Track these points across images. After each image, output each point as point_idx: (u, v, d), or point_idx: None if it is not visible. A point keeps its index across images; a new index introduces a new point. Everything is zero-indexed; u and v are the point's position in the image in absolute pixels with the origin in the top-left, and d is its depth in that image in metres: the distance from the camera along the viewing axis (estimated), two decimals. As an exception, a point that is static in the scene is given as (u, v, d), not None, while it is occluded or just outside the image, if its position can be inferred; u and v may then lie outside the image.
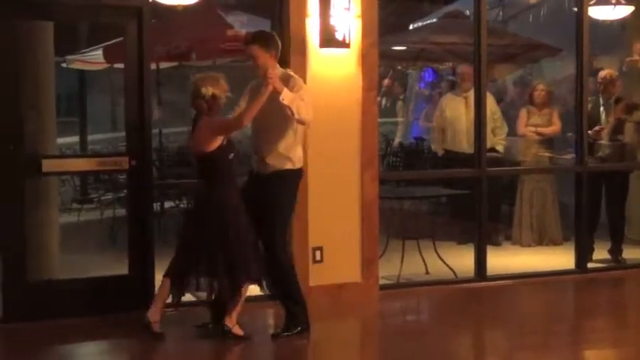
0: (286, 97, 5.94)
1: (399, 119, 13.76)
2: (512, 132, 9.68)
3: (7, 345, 6.37)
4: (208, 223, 6.06)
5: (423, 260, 8.16)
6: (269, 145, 6.24)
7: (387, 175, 7.82)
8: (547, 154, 9.31)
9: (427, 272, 8.08)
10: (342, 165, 7.18)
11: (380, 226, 7.46)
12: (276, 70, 6.10)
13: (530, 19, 13.69)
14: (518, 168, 9.48)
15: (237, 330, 6.08)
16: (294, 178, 6.35)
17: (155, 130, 10.63)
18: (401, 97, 14.46)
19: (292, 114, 6.00)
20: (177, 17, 10.62)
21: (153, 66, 10.26)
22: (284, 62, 7.05)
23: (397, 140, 12.44)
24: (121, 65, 8.53)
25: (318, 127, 7.03)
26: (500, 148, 9.24)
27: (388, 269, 7.80)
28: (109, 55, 10.79)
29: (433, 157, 9.96)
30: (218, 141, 5.99)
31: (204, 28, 11.49)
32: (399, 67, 14.39)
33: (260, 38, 6.38)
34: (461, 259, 8.17)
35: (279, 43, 6.34)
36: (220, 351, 6.33)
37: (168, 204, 10.48)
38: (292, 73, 6.38)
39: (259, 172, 6.32)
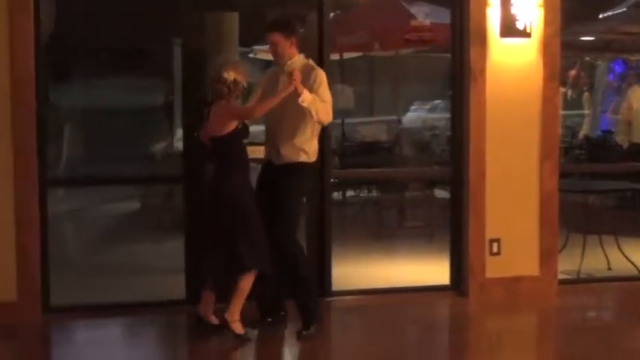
0: (306, 99, 5.78)
1: (585, 111, 13.44)
2: None
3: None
4: (220, 210, 5.94)
5: (606, 256, 7.96)
6: (285, 136, 6.06)
7: (567, 168, 7.65)
8: None
9: (609, 268, 7.87)
10: (521, 155, 7.07)
11: (560, 220, 7.31)
12: (298, 72, 5.81)
13: None
14: None
15: (237, 327, 5.88)
16: (308, 171, 6.22)
17: (338, 120, 10.84)
18: (585, 88, 14.13)
19: (312, 115, 5.89)
20: (360, 8, 10.80)
21: (336, 56, 10.44)
22: (463, 51, 7.09)
23: (583, 133, 12.17)
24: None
25: (497, 117, 7.02)
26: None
27: (568, 264, 7.63)
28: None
29: (620, 150, 9.69)
30: (233, 125, 5.85)
31: (387, 19, 11.59)
32: (587, 58, 14.08)
33: (282, 24, 6.20)
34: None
35: (298, 29, 6.24)
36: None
37: (349, 193, 10.69)
38: (314, 64, 6.23)
39: (272, 161, 6.16)
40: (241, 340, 5.84)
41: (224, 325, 5.86)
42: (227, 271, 5.87)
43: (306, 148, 6.05)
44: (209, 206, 6.06)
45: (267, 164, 6.21)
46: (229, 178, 5.91)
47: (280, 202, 6.04)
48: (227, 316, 5.82)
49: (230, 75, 5.88)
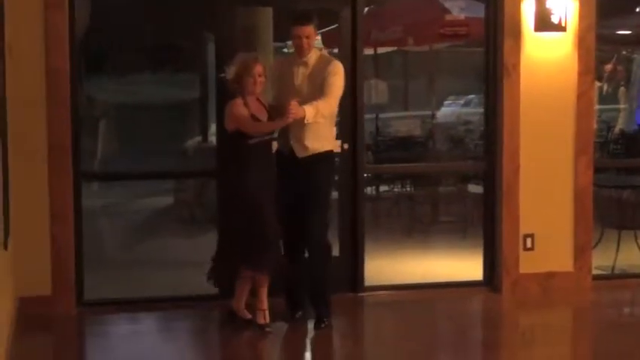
0: (309, 117, 5.76)
1: (621, 106, 13.33)
2: None
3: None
4: (228, 207, 6.04)
5: (642, 250, 7.91)
6: (307, 126, 5.90)
7: (602, 163, 7.60)
8: None
9: (645, 264, 7.82)
10: (555, 150, 7.04)
11: (595, 215, 7.26)
12: (295, 103, 5.71)
13: None
14: None
15: (260, 316, 5.94)
16: (333, 159, 6.26)
17: (372, 115, 10.84)
18: (622, 82, 14.01)
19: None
20: (394, 3, 10.78)
21: (370, 51, 10.43)
22: (497, 46, 7.06)
23: (618, 127, 12.07)
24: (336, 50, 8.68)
25: (532, 111, 6.99)
26: None
27: (602, 259, 7.59)
28: (327, 41, 11.03)
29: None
30: (234, 126, 5.81)
31: (422, 13, 11.57)
32: (624, 52, 13.97)
33: (314, 18, 6.10)
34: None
35: None
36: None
37: (382, 188, 10.69)
38: (330, 56, 6.33)
39: (294, 155, 6.01)
40: (263, 330, 5.89)
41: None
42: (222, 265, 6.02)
43: (330, 136, 6.13)
44: (221, 203, 6.24)
45: (284, 158, 6.07)
46: (233, 177, 5.94)
47: (311, 194, 6.00)
48: (233, 303, 5.99)
49: (230, 72, 5.85)
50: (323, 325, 6.03)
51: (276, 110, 5.94)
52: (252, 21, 7.68)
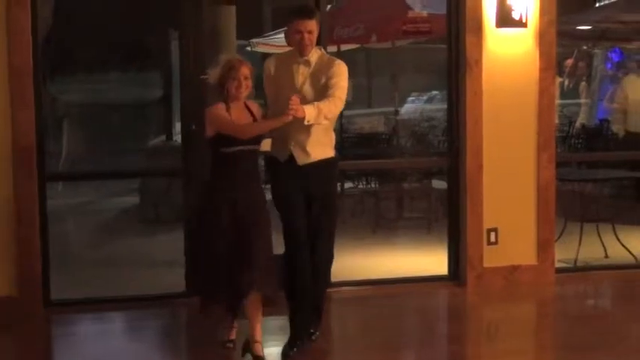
0: (310, 118, 5.23)
1: (582, 101, 13.45)
2: None
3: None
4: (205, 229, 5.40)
5: (602, 244, 7.98)
6: (309, 132, 5.44)
7: (564, 157, 7.66)
8: None
9: (606, 256, 7.89)
10: (518, 146, 7.09)
11: (557, 209, 7.32)
12: (296, 97, 5.22)
13: None
14: None
15: (258, 348, 5.31)
16: (337, 164, 5.83)
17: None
18: (583, 77, 14.14)
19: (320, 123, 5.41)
20: (357, 0, 10.82)
21: (334, 49, 10.45)
22: (459, 42, 7.08)
23: (579, 122, 12.18)
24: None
25: (494, 108, 7.03)
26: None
27: (565, 252, 7.65)
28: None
29: (617, 139, 9.70)
30: (213, 131, 5.28)
31: (384, 10, 11.59)
32: (584, 47, 14.08)
33: (316, 12, 5.81)
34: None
35: None
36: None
37: (347, 184, 10.72)
38: (332, 56, 5.86)
39: (294, 162, 5.49)
40: None
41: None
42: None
43: (332, 141, 5.67)
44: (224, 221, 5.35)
45: (280, 164, 5.55)
46: (204, 185, 5.61)
47: (321, 201, 5.59)
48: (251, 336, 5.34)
49: (213, 75, 5.37)
50: (317, 335, 5.76)
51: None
52: (216, 19, 7.67)
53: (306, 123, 5.24)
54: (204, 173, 6.74)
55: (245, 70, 5.29)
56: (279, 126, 5.30)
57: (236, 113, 5.27)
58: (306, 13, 5.59)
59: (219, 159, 5.32)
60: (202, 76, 6.22)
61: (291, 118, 5.17)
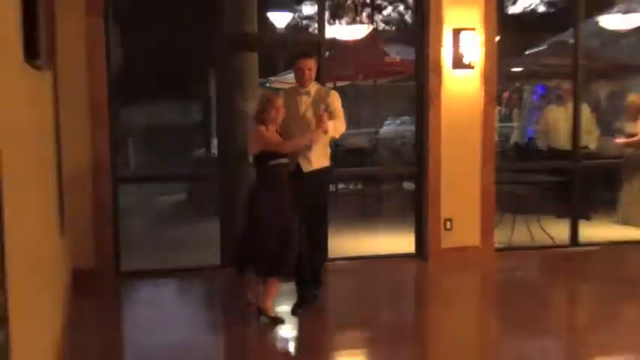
0: (330, 130, 5.30)
1: (515, 124, 13.46)
2: (606, 133, 9.35)
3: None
4: (256, 222, 5.25)
5: (529, 230, 7.99)
6: (311, 148, 5.41)
7: (501, 166, 7.66)
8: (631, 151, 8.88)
9: (532, 239, 7.89)
10: (467, 158, 7.11)
11: (497, 204, 7.32)
12: (325, 115, 5.27)
13: (623, 46, 13.06)
14: (607, 161, 9.07)
15: (272, 312, 5.33)
16: (331, 170, 5.76)
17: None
18: (515, 106, 14.16)
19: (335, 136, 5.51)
20: (348, 49, 10.82)
21: (331, 84, 10.46)
22: (424, 80, 7.07)
23: (513, 140, 12.16)
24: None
25: (449, 129, 7.04)
26: (592, 146, 8.88)
27: (501, 236, 7.68)
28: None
29: (541, 152, 9.69)
30: (260, 148, 5.21)
31: (368, 56, 11.62)
32: (517, 84, 14.09)
33: (314, 53, 5.79)
34: (559, 230, 7.91)
35: None
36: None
37: (340, 185, 10.74)
38: (325, 87, 5.78)
39: (301, 170, 5.44)
40: (277, 321, 5.28)
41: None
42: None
43: (328, 155, 5.61)
44: (265, 218, 5.23)
45: (290, 174, 5.39)
46: (255, 189, 5.35)
47: (319, 201, 5.60)
48: (261, 304, 5.30)
49: (250, 106, 5.39)
50: (317, 300, 5.72)
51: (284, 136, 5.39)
52: (243, 62, 7.66)
53: (332, 135, 5.38)
54: (233, 177, 6.85)
55: (280, 101, 5.28)
56: (316, 138, 5.32)
57: (272, 134, 5.23)
58: (306, 54, 5.61)
59: (266, 170, 5.24)
60: (241, 108, 6.21)
61: (321, 132, 5.24)
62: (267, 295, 5.28)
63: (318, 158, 5.51)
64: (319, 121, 5.26)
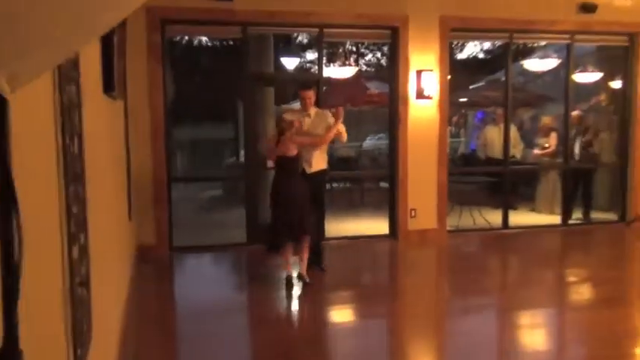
0: (341, 129, 5.39)
1: (462, 139, 13.47)
2: (527, 146, 9.36)
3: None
4: (294, 197, 5.13)
5: (472, 217, 8.02)
6: (312, 154, 5.40)
7: (452, 169, 7.67)
8: (547, 159, 8.90)
9: (474, 223, 7.91)
10: (427, 164, 7.11)
11: (448, 197, 7.34)
12: (341, 109, 5.33)
13: (540, 82, 13.10)
14: (528, 166, 9.08)
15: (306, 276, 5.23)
16: (327, 172, 5.68)
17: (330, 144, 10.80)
18: (462, 127, 14.18)
19: (342, 140, 5.47)
20: (339, 85, 10.80)
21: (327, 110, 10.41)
22: (395, 107, 7.08)
23: (460, 151, 12.18)
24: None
25: (414, 144, 7.03)
26: (518, 156, 8.90)
27: (452, 221, 7.68)
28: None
29: (480, 160, 9.70)
30: (297, 149, 5.17)
31: (354, 90, 11.63)
32: (463, 110, 14.10)
33: (313, 86, 5.66)
34: (494, 217, 7.93)
35: None
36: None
37: (335, 184, 10.74)
38: (323, 110, 5.68)
39: (305, 172, 5.41)
40: (309, 284, 5.16)
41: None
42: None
43: (325, 160, 5.58)
44: (288, 194, 5.11)
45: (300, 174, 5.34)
46: (297, 179, 5.21)
47: (319, 195, 5.51)
48: (302, 271, 5.18)
49: (288, 117, 5.24)
50: (323, 267, 5.67)
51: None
52: (263, 93, 7.69)
53: (338, 132, 5.31)
54: (255, 178, 6.84)
55: (288, 116, 5.30)
56: (335, 131, 5.28)
57: (284, 142, 5.15)
58: (307, 86, 5.59)
59: (298, 165, 5.23)
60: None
61: (341, 120, 5.24)
62: (303, 263, 5.18)
63: (317, 163, 5.49)
64: (338, 114, 5.23)
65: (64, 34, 0.84)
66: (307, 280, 5.14)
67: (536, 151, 8.97)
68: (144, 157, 6.32)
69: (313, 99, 5.54)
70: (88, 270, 2.23)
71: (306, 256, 5.23)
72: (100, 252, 2.72)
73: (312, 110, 5.56)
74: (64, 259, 1.76)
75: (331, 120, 5.48)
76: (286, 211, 5.10)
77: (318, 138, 5.33)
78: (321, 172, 5.57)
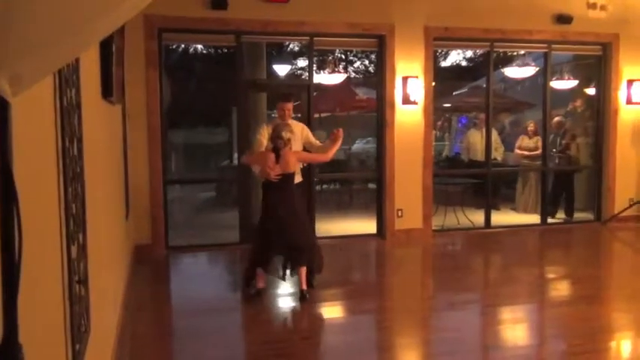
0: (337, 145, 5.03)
1: (446, 143, 13.53)
2: (508, 149, 9.43)
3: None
4: (292, 213, 4.78)
5: (456, 217, 8.03)
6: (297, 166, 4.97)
7: (437, 171, 7.70)
8: (527, 161, 8.94)
9: (458, 223, 7.92)
10: (413, 167, 7.12)
11: (433, 198, 7.36)
12: (341, 131, 4.97)
13: (520, 89, 13.22)
14: (508, 169, 9.15)
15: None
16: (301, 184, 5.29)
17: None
18: (447, 130, 14.24)
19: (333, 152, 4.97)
20: (329, 91, 10.84)
21: (317, 115, 10.46)
22: (383, 112, 7.11)
23: (444, 154, 12.24)
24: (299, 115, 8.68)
25: (401, 147, 7.05)
26: (499, 158, 8.95)
27: (437, 221, 7.69)
28: (295, 109, 10.91)
29: (463, 163, 9.75)
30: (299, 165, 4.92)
31: (343, 95, 11.65)
32: (447, 115, 14.17)
33: (292, 98, 5.35)
34: (477, 217, 7.95)
35: None
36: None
37: (325, 185, 10.74)
38: (298, 122, 5.45)
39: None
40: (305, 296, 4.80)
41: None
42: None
43: (300, 175, 5.21)
44: (282, 211, 4.73)
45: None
46: (295, 195, 4.86)
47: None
48: (303, 287, 4.79)
49: (287, 134, 4.70)
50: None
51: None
52: (255, 99, 7.67)
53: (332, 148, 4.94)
54: (247, 180, 6.82)
55: (287, 134, 4.75)
56: (338, 147, 4.96)
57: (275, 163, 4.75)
58: (286, 98, 5.24)
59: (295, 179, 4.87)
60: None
61: (340, 140, 4.92)
62: (303, 279, 4.80)
63: (298, 176, 5.11)
64: (336, 136, 4.91)
65: (65, 34, 0.83)
66: (307, 297, 4.78)
67: (519, 151, 8.99)
68: (141, 160, 6.28)
69: (291, 110, 5.29)
70: (86, 268, 2.21)
71: (304, 270, 4.83)
72: (98, 251, 2.69)
73: (291, 122, 5.24)
74: (63, 257, 1.75)
75: (305, 132, 5.27)
76: (282, 236, 4.70)
77: (322, 156, 5.01)
78: (300, 185, 5.31)
